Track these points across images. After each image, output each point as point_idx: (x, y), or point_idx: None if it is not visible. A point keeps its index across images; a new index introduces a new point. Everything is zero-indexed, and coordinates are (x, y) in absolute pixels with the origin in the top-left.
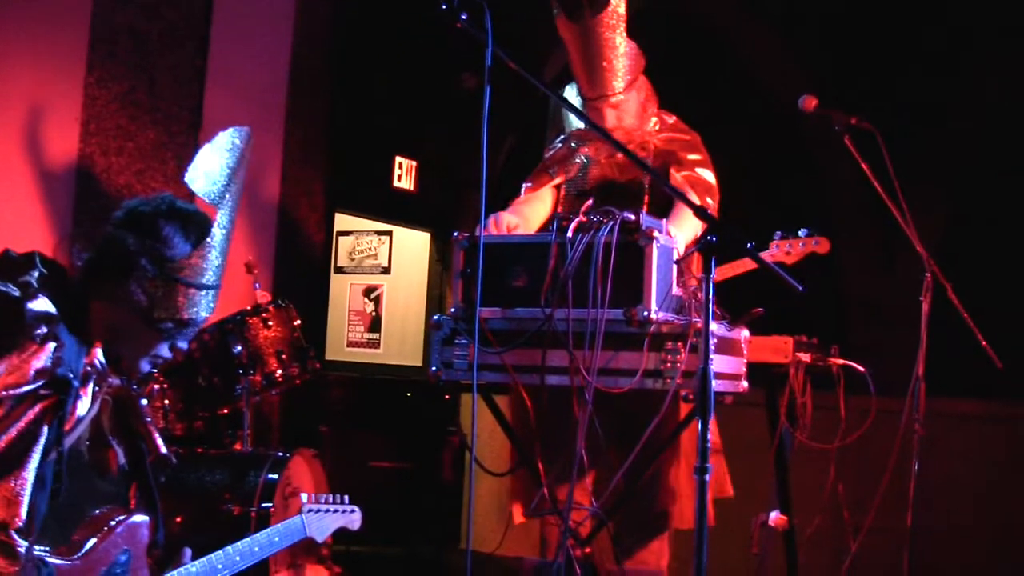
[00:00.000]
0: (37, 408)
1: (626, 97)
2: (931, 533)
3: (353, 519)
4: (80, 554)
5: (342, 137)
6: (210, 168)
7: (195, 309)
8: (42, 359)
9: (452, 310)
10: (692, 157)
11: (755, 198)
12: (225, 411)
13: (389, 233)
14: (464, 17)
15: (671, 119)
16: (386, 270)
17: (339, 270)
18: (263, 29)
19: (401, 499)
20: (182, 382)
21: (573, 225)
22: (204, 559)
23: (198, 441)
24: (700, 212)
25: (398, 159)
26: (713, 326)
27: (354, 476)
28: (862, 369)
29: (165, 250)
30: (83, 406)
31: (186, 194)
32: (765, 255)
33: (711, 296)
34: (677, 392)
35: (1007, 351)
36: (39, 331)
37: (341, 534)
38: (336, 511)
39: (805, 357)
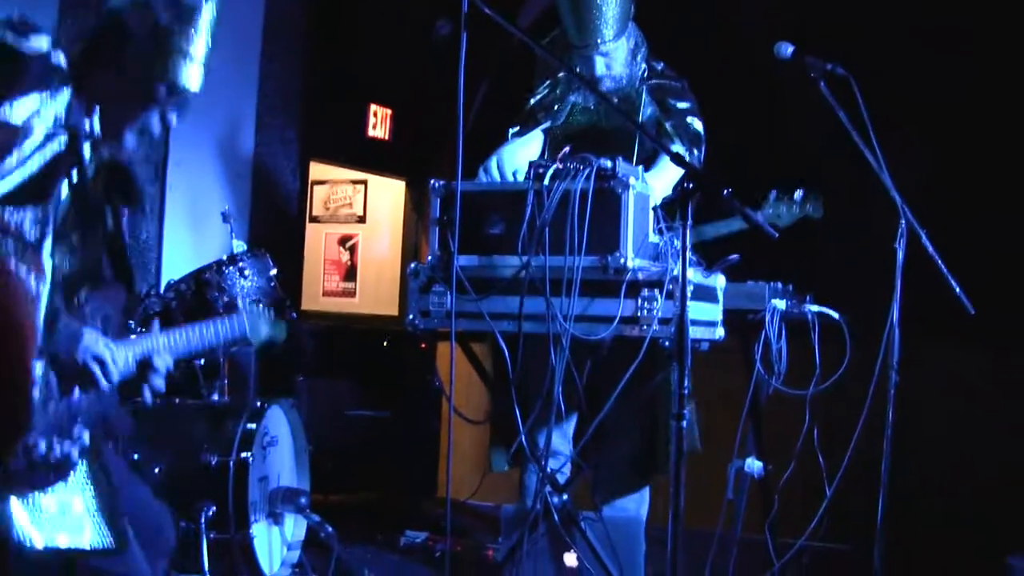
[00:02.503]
0: (62, 148)
1: (615, 45)
2: (906, 477)
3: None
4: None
5: (317, 86)
6: None
7: (186, 77)
8: (62, 103)
9: (429, 258)
10: (681, 105)
11: (730, 148)
12: (201, 361)
13: (364, 182)
14: None
15: (660, 65)
16: (361, 219)
17: (314, 219)
18: None
19: (379, 448)
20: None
21: (549, 172)
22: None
23: (175, 392)
24: (678, 159)
25: (373, 107)
26: (689, 273)
27: (331, 425)
28: (836, 316)
29: (160, 11)
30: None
31: None
32: (757, 214)
33: (688, 243)
34: (654, 339)
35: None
36: (61, 77)
37: (317, 484)
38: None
39: (781, 304)
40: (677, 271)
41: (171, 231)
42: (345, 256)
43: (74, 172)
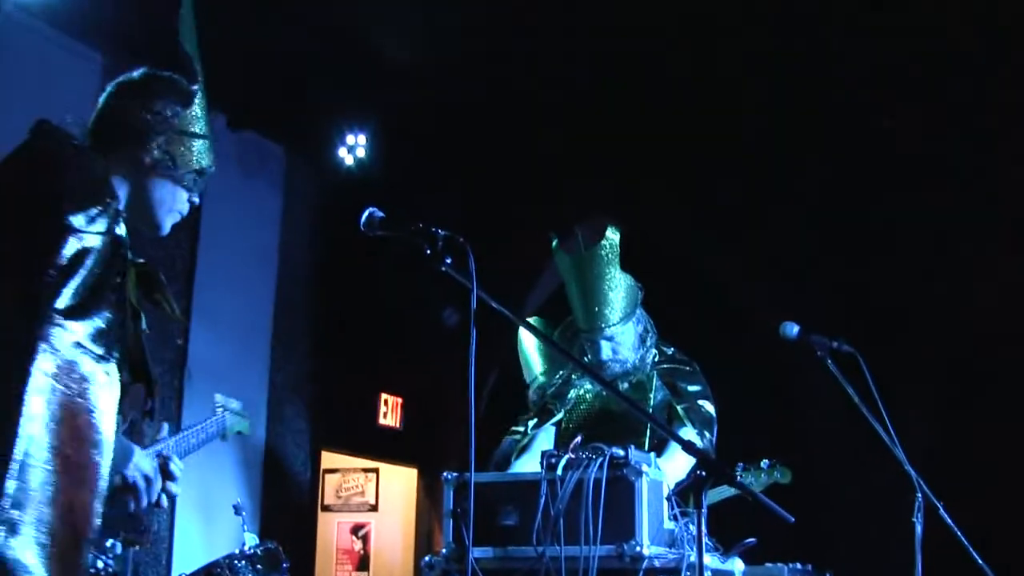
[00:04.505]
0: (113, 256)
1: (622, 330)
2: None
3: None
4: None
5: (326, 375)
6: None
7: (207, 156)
8: (111, 217)
9: (443, 550)
10: (692, 388)
11: (730, 426)
12: None
13: (376, 470)
14: (448, 261)
15: (670, 350)
16: (373, 507)
17: (326, 508)
18: (247, 269)
19: None
20: None
21: (563, 463)
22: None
23: None
24: (688, 447)
25: (383, 396)
26: (707, 559)
27: None
28: None
29: (170, 106)
30: None
31: None
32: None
33: (703, 529)
34: None
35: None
36: (109, 185)
37: None
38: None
39: None
40: (694, 557)
41: (182, 523)
42: (358, 545)
43: (120, 279)
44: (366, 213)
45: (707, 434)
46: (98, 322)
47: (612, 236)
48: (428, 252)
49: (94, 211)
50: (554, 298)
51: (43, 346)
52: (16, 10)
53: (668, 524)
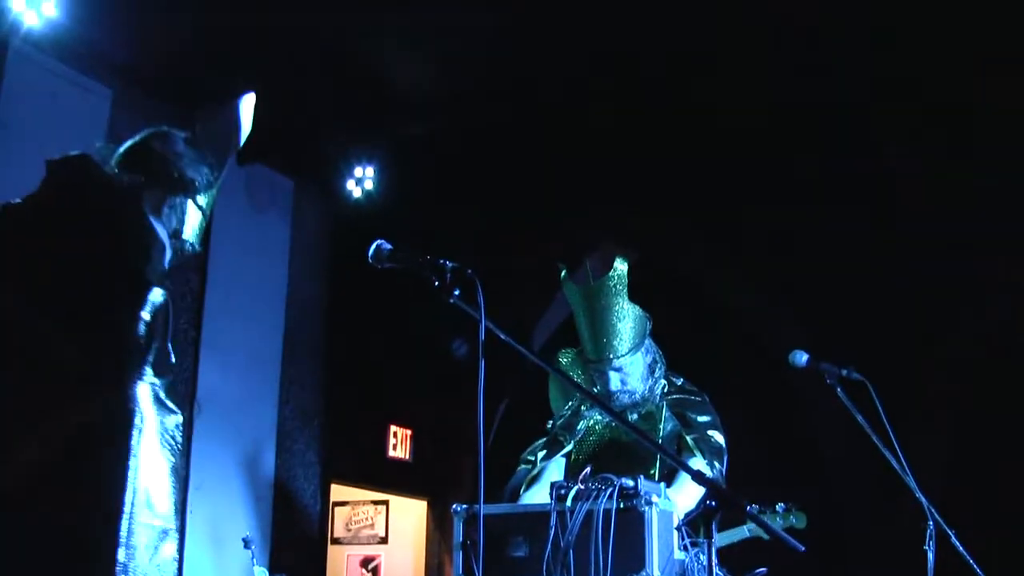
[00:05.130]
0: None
1: (630, 360)
2: None
3: None
4: None
5: (336, 407)
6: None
7: (199, 234)
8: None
9: None
10: (702, 419)
11: (747, 455)
12: None
13: (385, 502)
14: (457, 293)
15: (679, 380)
16: (383, 540)
17: (336, 541)
18: (256, 302)
19: None
20: None
21: (572, 494)
22: None
23: None
24: (698, 477)
25: (393, 428)
26: None
27: None
28: None
29: (202, 175)
30: None
31: None
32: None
33: (714, 560)
34: None
35: None
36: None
37: None
38: None
39: None
40: None
41: (191, 556)
42: None
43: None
44: (374, 245)
45: (717, 464)
46: (170, 376)
47: (620, 267)
48: (436, 284)
49: (158, 262)
50: (563, 328)
51: (138, 406)
52: (27, 45)
53: (678, 554)
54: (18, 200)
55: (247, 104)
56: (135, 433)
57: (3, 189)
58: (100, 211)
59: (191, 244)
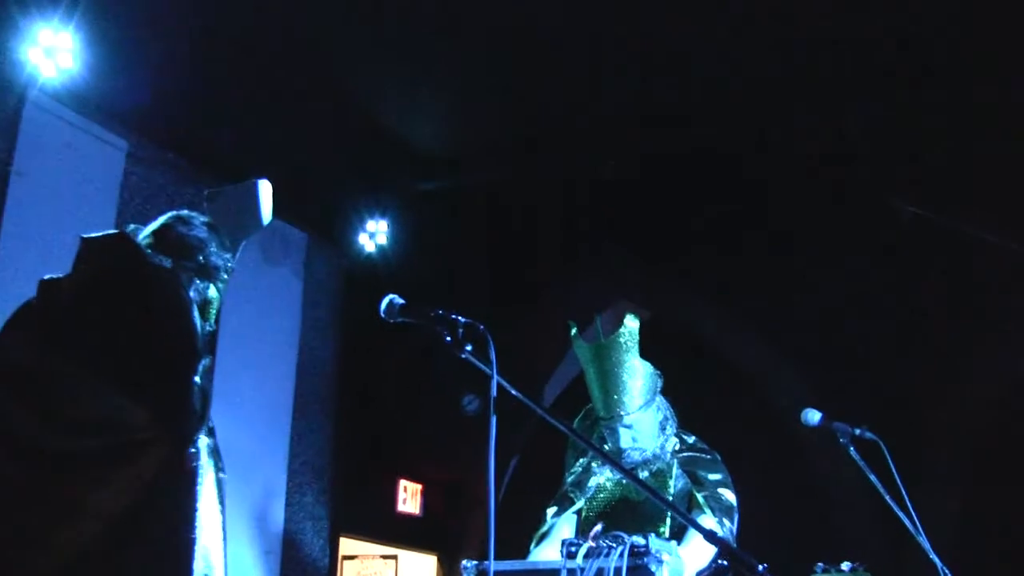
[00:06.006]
0: None
1: (641, 417)
2: None
3: None
4: None
5: (346, 461)
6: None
7: (214, 316)
8: None
9: None
10: (713, 477)
11: (756, 518)
12: None
13: (395, 557)
14: (468, 348)
15: (691, 438)
16: None
17: None
18: (267, 355)
19: None
20: None
21: (582, 551)
22: None
23: None
24: (710, 536)
25: (403, 482)
26: None
27: None
28: None
29: (221, 254)
30: None
31: None
32: None
33: None
34: None
35: None
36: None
37: None
38: None
39: None
40: None
41: None
42: None
43: None
44: (386, 300)
45: (727, 523)
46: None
47: (631, 324)
48: (448, 339)
49: (200, 335)
50: (573, 386)
51: (200, 464)
52: (44, 95)
53: None
54: (60, 276)
55: (265, 190)
56: (198, 491)
57: (19, 236)
58: (148, 287)
59: (209, 325)
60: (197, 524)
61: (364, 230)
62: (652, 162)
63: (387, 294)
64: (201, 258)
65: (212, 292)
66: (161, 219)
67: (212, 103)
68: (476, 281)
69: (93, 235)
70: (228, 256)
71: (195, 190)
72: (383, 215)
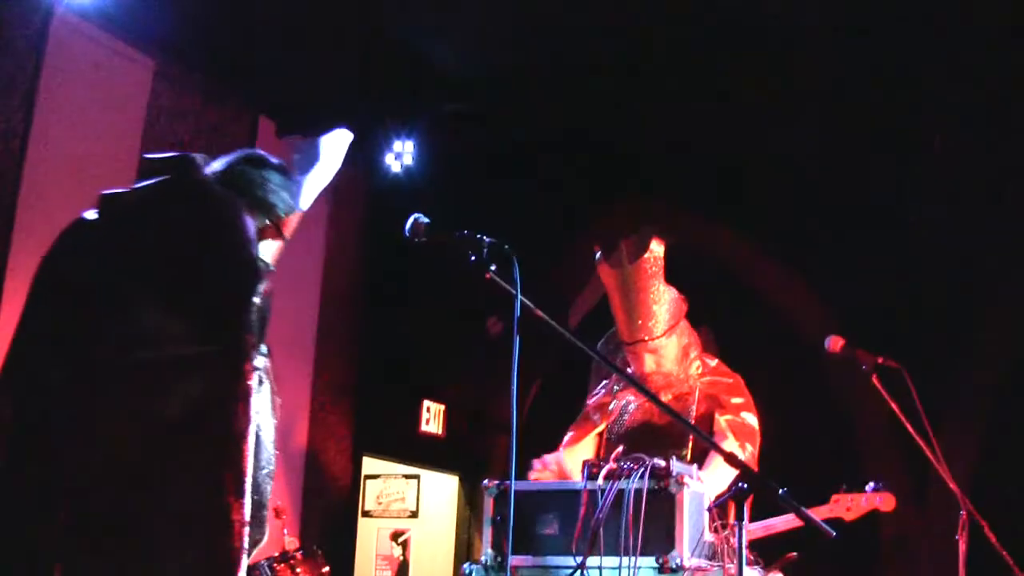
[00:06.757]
0: None
1: (665, 342)
2: None
3: None
4: None
5: (370, 382)
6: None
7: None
8: None
9: (482, 558)
10: (735, 401)
11: (778, 443)
12: None
13: (417, 477)
14: (493, 268)
15: (713, 362)
16: (414, 514)
17: (366, 514)
18: (292, 274)
19: None
20: None
21: (603, 472)
22: None
23: None
24: (730, 459)
25: (426, 403)
26: (747, 572)
27: None
28: None
29: (280, 194)
30: None
31: None
32: (823, 509)
33: (744, 542)
34: None
35: None
36: None
37: None
38: None
39: None
40: (735, 570)
41: None
42: (397, 551)
43: None
44: (411, 219)
45: (749, 446)
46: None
47: (657, 249)
48: (473, 259)
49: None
50: (598, 310)
51: (259, 379)
52: (70, 13)
53: (709, 536)
54: (122, 190)
55: (343, 140)
56: (259, 400)
57: (46, 155)
58: (212, 208)
59: (264, 262)
60: (250, 441)
61: (390, 150)
62: (681, 89)
63: (412, 214)
64: (260, 193)
65: (252, 232)
66: (234, 154)
67: (239, 23)
68: (502, 204)
69: (156, 155)
70: (287, 197)
71: (222, 110)
72: (409, 135)
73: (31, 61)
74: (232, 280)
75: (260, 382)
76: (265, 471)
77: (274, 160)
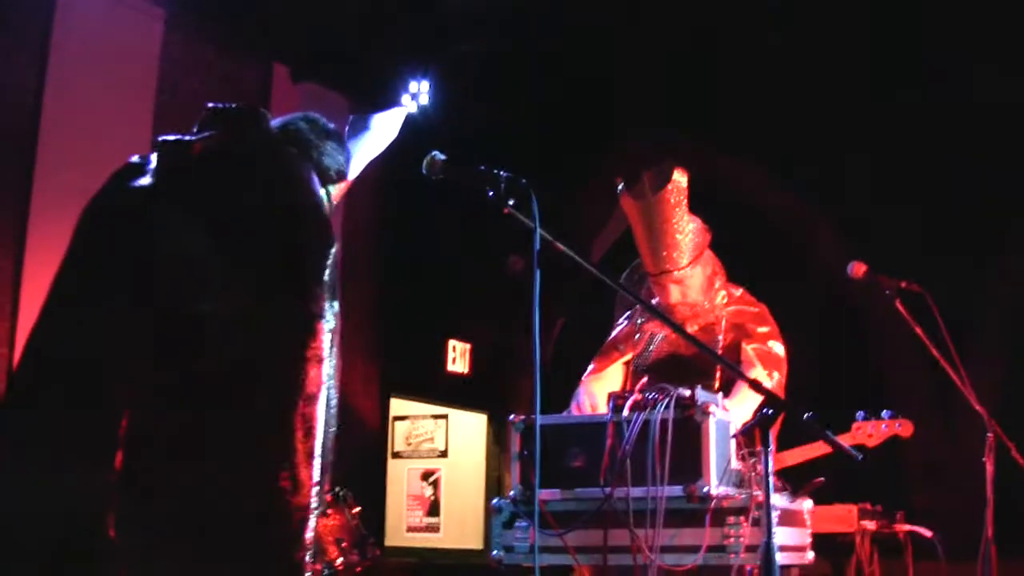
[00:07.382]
0: None
1: (690, 272)
2: None
3: None
4: None
5: (395, 323)
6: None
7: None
8: None
9: (511, 493)
10: (761, 330)
11: (805, 370)
12: None
13: (445, 417)
14: (512, 203)
15: (738, 291)
16: (443, 454)
17: (396, 455)
18: None
19: None
20: None
21: (629, 403)
22: None
23: None
24: (756, 386)
25: (451, 343)
26: (775, 498)
27: None
28: (929, 534)
29: (335, 157)
30: None
31: None
32: (846, 436)
33: (770, 468)
34: (741, 567)
35: None
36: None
37: None
38: None
39: (871, 525)
40: (762, 497)
41: None
42: (428, 491)
43: None
44: (428, 156)
45: (777, 374)
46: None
47: (680, 179)
48: (491, 194)
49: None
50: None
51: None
52: None
53: (736, 464)
54: (190, 137)
55: (398, 115)
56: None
57: (60, 109)
58: (283, 164)
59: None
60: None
61: (406, 91)
62: (692, 18)
63: (429, 152)
64: (315, 155)
65: (321, 192)
66: (292, 115)
67: None
68: (520, 142)
69: (223, 105)
70: (341, 161)
71: (235, 58)
72: (425, 76)
73: (43, 13)
74: (307, 240)
75: (331, 345)
76: (332, 430)
77: (330, 125)
